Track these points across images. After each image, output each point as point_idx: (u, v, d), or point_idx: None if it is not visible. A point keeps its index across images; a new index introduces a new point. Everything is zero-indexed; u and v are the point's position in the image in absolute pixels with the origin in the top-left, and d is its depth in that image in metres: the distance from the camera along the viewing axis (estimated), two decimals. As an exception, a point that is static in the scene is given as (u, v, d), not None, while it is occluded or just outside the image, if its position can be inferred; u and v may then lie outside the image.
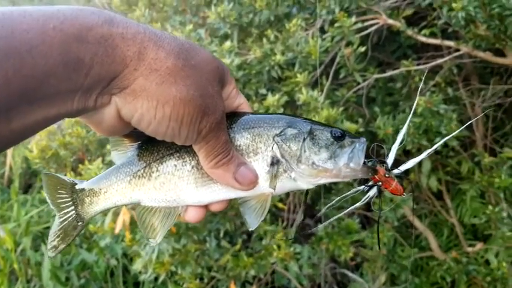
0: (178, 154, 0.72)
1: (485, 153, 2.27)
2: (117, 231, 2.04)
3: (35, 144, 2.24)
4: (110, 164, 2.17)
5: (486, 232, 2.25)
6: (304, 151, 0.71)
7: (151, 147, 0.73)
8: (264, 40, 2.14)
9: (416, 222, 2.35)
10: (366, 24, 2.14)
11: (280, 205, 2.29)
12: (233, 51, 2.11)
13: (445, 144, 2.05)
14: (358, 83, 2.12)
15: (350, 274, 2.40)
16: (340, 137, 0.72)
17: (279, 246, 2.16)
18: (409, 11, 2.12)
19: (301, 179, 0.72)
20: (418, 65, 2.19)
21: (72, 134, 2.26)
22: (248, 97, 2.15)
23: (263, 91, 2.09)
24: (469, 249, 2.35)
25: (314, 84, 2.16)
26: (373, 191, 0.75)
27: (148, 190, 0.72)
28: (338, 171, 0.70)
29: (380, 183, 0.73)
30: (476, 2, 1.92)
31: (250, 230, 0.72)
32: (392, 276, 2.37)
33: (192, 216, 0.74)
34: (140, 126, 0.61)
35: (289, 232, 2.27)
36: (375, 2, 2.10)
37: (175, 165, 0.72)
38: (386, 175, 0.73)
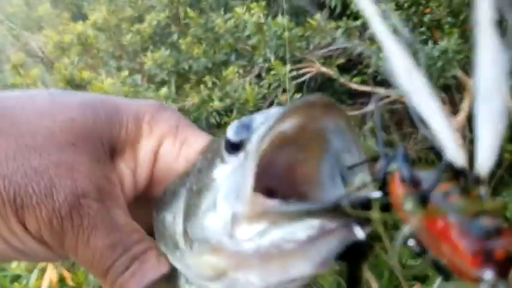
0: None
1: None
2: (43, 290, 1.90)
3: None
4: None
5: (424, 273, 2.29)
6: (180, 218, 0.38)
7: None
8: (202, 87, 2.14)
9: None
10: (301, 72, 2.20)
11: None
12: (170, 97, 2.09)
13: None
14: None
15: None
16: (237, 146, 0.34)
17: None
18: (341, 60, 2.20)
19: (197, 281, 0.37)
20: (352, 110, 2.26)
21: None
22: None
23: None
24: (409, 290, 2.37)
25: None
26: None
27: None
28: (242, 242, 0.31)
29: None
30: (402, 52, 2.02)
31: None
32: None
33: None
34: None
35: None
36: (308, 51, 2.17)
37: None
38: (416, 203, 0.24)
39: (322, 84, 2.51)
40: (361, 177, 0.30)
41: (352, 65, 2.41)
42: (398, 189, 0.26)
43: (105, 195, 0.39)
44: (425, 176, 0.25)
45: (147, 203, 0.45)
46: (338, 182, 0.32)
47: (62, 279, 1.92)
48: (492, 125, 0.23)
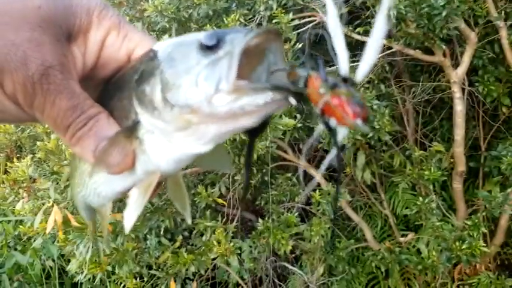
0: None
1: (416, 147, 2.38)
2: (48, 231, 1.96)
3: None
4: (40, 161, 2.08)
5: (417, 222, 2.36)
6: (158, 89, 0.49)
7: None
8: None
9: (352, 215, 2.43)
10: (303, 21, 2.18)
11: (220, 201, 2.28)
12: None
13: (379, 139, 2.12)
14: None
15: (290, 267, 2.44)
16: (211, 47, 0.48)
17: (219, 242, 2.16)
18: (344, 9, 2.17)
19: (173, 135, 0.49)
20: (353, 62, 2.25)
21: (0, 131, 2.14)
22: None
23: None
24: (402, 239, 2.46)
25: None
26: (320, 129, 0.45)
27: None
28: (218, 106, 0.46)
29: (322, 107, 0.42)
30: (406, 1, 2.00)
31: (125, 233, 0.61)
32: (330, 267, 2.43)
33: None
34: None
35: (229, 227, 2.27)
36: (311, 0, 2.14)
37: None
38: (328, 89, 0.42)
39: (323, 36, 2.48)
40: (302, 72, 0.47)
41: (354, 17, 2.38)
42: (316, 83, 0.43)
43: (65, 69, 0.50)
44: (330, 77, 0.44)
45: (93, 83, 0.56)
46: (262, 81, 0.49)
47: (66, 221, 1.98)
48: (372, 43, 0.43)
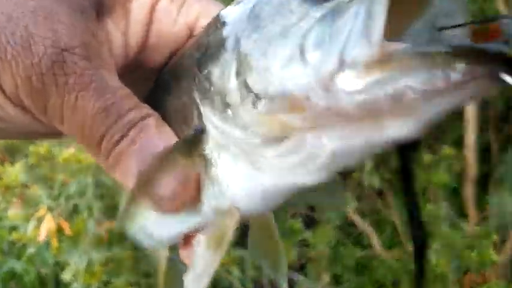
0: None
1: (425, 150, 2.30)
2: (41, 238, 1.88)
3: None
4: (33, 166, 2.00)
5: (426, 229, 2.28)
6: (233, 71, 0.31)
7: None
8: None
9: (359, 221, 2.36)
10: None
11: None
12: None
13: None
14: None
15: (294, 275, 2.38)
16: None
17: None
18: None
19: (260, 153, 0.31)
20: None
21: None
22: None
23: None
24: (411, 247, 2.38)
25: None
26: None
27: None
28: (346, 95, 0.26)
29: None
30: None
31: None
32: (336, 276, 2.37)
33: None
34: None
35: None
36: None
37: None
38: None
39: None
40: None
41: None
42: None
43: (92, 53, 0.33)
44: None
45: (140, 73, 0.40)
46: (422, 38, 0.26)
47: (59, 229, 1.90)
48: None
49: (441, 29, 0.26)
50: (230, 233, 0.34)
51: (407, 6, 0.26)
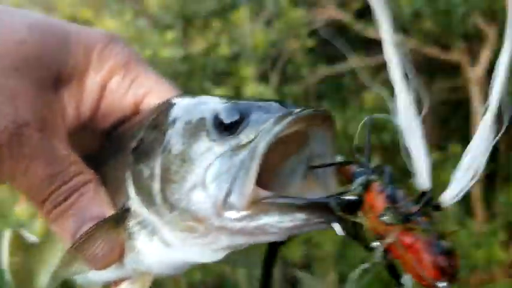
0: None
1: (433, 148, 2.29)
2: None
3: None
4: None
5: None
6: (157, 177, 0.39)
7: None
8: (209, 31, 2.05)
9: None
10: (314, 17, 2.10)
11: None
12: (176, 42, 2.00)
13: (393, 141, 2.03)
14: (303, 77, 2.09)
15: (300, 274, 2.38)
16: (230, 126, 0.36)
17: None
18: (357, 5, 2.09)
19: (172, 238, 0.39)
20: (365, 59, 2.17)
21: None
22: (193, 91, 2.05)
23: (207, 85, 2.00)
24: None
25: (261, 79, 2.08)
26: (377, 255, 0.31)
27: None
28: (230, 221, 0.35)
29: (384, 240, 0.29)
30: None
31: None
32: (342, 275, 2.35)
33: None
34: None
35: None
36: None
37: None
38: (397, 218, 0.28)
39: (335, 33, 2.40)
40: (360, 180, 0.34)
41: (369, 11, 2.30)
42: (377, 201, 0.30)
43: (47, 126, 0.39)
44: (400, 194, 0.30)
45: (91, 135, 0.46)
46: (296, 178, 0.38)
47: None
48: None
49: (313, 167, 0.36)
50: (148, 285, 0.44)
51: (287, 147, 0.36)
